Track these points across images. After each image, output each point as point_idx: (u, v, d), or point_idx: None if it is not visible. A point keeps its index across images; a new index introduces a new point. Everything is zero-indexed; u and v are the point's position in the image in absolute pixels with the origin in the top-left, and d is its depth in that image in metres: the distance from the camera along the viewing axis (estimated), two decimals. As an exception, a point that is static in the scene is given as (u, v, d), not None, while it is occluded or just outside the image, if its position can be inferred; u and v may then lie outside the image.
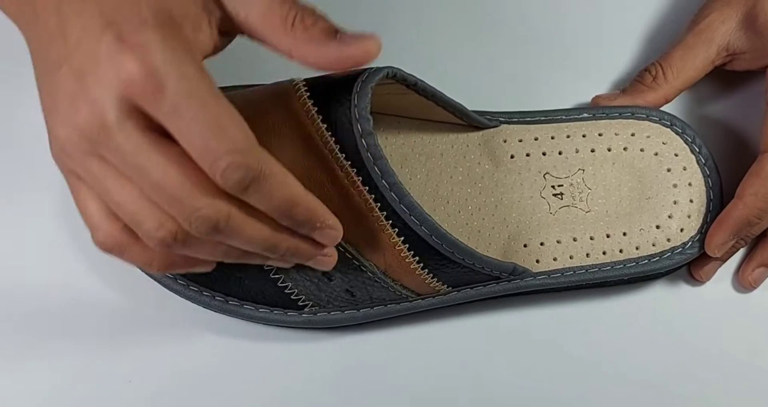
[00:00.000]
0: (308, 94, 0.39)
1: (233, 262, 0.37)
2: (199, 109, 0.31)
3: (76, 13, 0.32)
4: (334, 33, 0.34)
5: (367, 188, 0.38)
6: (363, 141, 0.37)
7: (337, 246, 0.39)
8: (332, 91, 0.39)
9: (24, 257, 0.45)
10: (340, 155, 0.38)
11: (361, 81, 0.38)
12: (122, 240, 0.35)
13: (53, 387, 0.43)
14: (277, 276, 0.41)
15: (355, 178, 0.38)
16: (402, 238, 0.38)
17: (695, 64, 0.46)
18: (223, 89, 0.37)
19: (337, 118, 0.38)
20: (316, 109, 0.39)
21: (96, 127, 0.31)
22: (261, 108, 0.39)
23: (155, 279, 0.42)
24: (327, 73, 0.40)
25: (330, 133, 0.38)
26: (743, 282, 0.46)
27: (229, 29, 0.35)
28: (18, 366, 0.43)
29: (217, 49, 0.35)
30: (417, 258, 0.39)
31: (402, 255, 0.39)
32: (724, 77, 0.49)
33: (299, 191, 0.34)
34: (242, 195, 0.33)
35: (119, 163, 0.32)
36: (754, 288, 0.45)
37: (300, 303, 0.42)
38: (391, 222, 0.38)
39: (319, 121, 0.38)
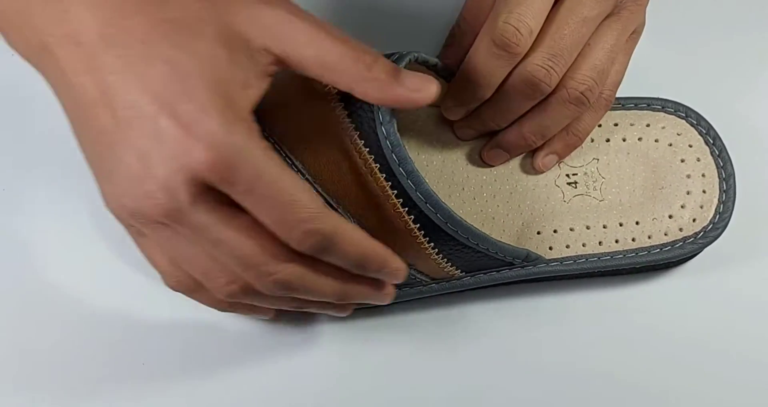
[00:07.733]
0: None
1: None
2: (272, 188, 0.32)
3: (121, 87, 0.32)
4: (395, 72, 0.35)
5: (384, 175, 0.38)
6: (383, 129, 0.37)
7: None
8: None
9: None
10: (359, 141, 0.38)
11: None
12: (192, 285, 0.37)
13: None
14: None
15: (374, 165, 0.38)
16: (418, 225, 0.39)
17: None
18: None
19: (358, 106, 0.38)
20: (338, 96, 0.39)
21: (168, 207, 0.32)
22: (285, 96, 0.40)
23: None
24: None
25: (350, 120, 0.38)
26: (536, 167, 0.45)
27: (275, 71, 0.35)
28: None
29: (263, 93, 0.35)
30: (432, 244, 0.40)
31: (418, 241, 0.39)
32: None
33: (370, 244, 0.36)
34: (319, 256, 0.34)
35: (191, 235, 0.33)
36: (544, 171, 0.45)
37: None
38: (407, 209, 0.38)
39: (340, 108, 0.38)
